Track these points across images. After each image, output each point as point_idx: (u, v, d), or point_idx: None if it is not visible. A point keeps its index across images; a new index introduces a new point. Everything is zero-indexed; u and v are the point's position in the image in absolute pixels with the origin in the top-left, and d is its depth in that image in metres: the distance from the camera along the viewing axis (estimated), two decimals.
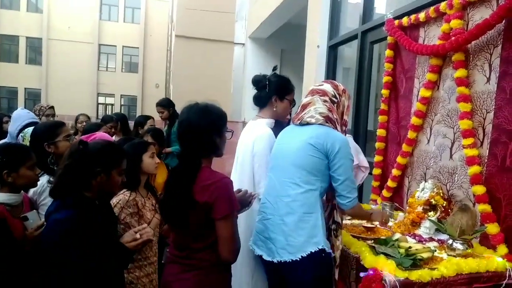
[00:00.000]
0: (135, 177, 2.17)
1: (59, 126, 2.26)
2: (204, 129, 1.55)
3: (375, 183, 2.97)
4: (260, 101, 2.28)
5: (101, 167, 1.53)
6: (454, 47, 2.15)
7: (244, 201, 1.80)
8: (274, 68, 2.35)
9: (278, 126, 2.24)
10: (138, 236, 1.68)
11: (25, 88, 22.93)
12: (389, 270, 1.61)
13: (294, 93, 2.30)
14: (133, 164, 2.16)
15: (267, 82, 2.22)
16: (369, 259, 1.72)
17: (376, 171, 2.94)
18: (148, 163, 2.23)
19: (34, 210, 1.81)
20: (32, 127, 2.74)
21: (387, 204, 2.58)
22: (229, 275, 1.67)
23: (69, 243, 1.42)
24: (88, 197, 1.56)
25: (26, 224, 1.71)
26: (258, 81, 2.27)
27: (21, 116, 3.40)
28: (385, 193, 2.82)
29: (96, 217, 1.56)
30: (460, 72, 2.16)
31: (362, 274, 1.66)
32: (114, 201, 2.09)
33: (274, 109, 2.23)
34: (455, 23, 2.19)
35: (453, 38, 2.17)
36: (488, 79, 2.05)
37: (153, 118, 4.32)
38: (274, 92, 2.22)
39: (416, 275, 1.60)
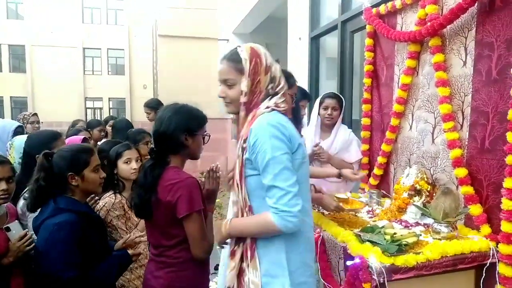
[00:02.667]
0: (113, 180, 2.16)
1: (54, 138, 2.13)
2: (173, 127, 1.54)
3: (362, 171, 2.99)
4: None
5: (71, 171, 1.60)
6: (430, 32, 2.16)
7: (214, 184, 1.74)
8: (276, 61, 2.22)
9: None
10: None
11: (10, 97, 22.56)
12: (374, 257, 1.62)
13: (296, 86, 2.16)
14: (110, 169, 2.16)
15: None
16: (355, 247, 1.73)
17: (363, 159, 2.96)
18: (122, 169, 2.20)
19: (16, 221, 1.78)
20: (19, 136, 2.66)
21: (374, 191, 2.60)
22: (204, 272, 1.68)
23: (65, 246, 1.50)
24: (78, 200, 1.63)
25: (9, 235, 1.69)
26: None
27: (5, 126, 3.33)
28: (372, 181, 2.84)
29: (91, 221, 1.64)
30: (438, 57, 2.18)
31: (348, 263, 1.68)
32: (100, 204, 2.09)
33: None
34: (430, 8, 2.20)
35: (428, 23, 2.18)
36: (465, 63, 2.06)
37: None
38: None
39: (401, 260, 1.62)
